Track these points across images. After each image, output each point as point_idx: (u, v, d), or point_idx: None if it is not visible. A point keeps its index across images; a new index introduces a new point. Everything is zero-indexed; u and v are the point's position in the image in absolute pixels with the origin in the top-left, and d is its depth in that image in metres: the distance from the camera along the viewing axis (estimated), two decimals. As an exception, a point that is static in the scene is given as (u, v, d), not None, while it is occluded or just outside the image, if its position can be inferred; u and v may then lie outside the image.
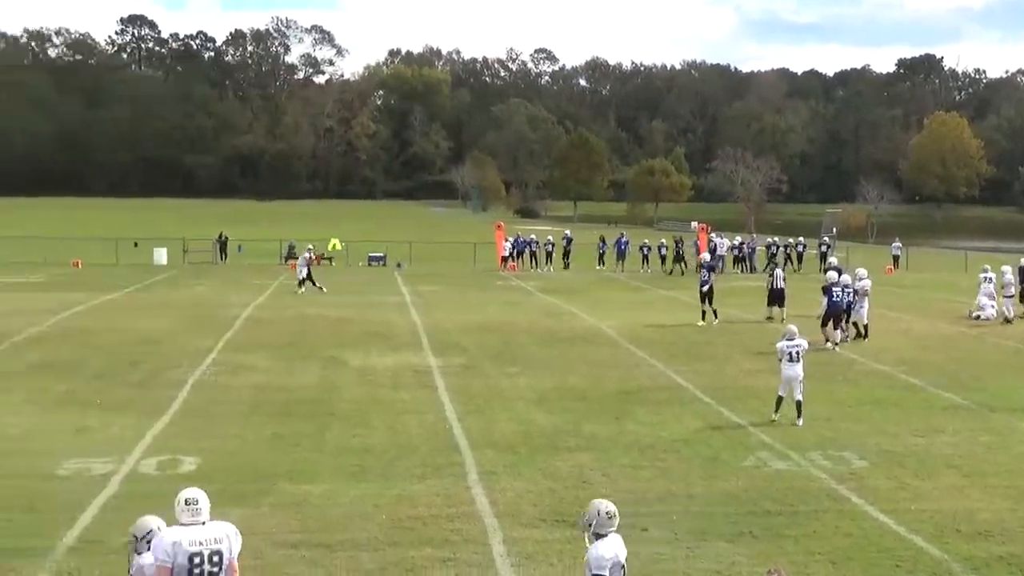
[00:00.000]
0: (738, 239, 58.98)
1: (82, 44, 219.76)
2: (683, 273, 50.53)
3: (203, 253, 57.84)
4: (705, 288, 32.11)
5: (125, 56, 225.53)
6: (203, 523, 7.97)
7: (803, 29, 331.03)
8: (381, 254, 57.34)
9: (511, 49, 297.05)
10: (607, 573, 8.03)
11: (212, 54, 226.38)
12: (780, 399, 18.35)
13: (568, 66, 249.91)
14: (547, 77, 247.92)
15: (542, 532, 12.45)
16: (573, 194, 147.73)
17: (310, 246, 46.10)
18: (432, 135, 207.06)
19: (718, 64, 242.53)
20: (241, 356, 24.93)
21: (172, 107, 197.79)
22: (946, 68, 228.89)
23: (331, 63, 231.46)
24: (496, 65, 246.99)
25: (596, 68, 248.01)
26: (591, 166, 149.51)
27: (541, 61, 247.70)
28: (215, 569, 7.89)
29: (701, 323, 31.60)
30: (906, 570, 11.56)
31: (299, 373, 22.96)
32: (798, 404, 18.15)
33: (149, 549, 7.96)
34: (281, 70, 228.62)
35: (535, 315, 34.09)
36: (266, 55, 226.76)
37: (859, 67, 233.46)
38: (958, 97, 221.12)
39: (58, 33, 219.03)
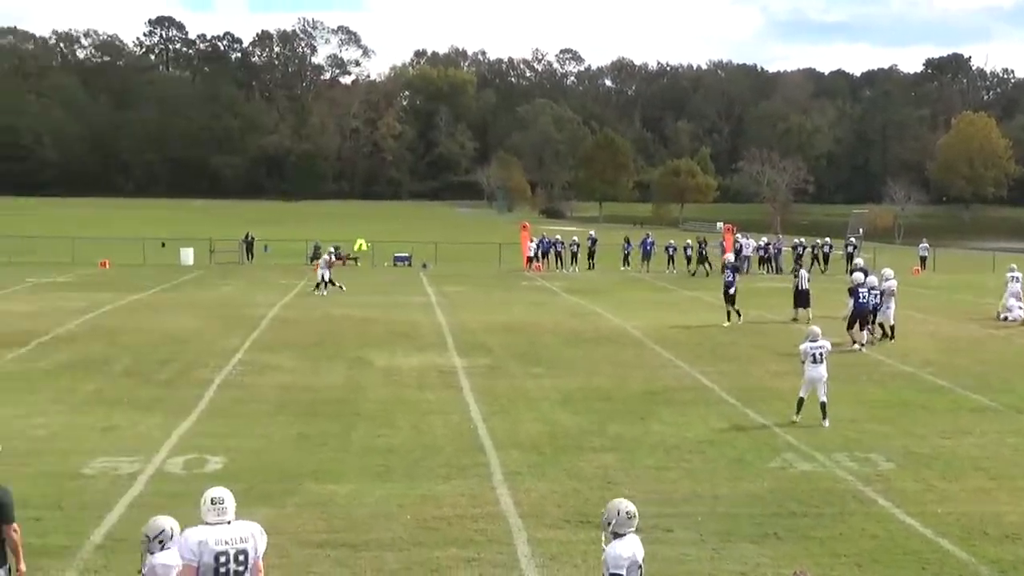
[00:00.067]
0: (764, 240, 58.80)
1: (110, 45, 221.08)
2: (707, 274, 50.41)
3: (230, 253, 58.08)
4: (731, 289, 32.11)
5: (153, 57, 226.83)
6: (228, 522, 8.00)
7: (830, 29, 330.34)
8: (407, 254, 57.44)
9: (537, 49, 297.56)
10: (624, 572, 8.03)
11: (239, 55, 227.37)
12: (801, 400, 18.28)
13: (594, 66, 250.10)
14: (573, 77, 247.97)
15: (567, 533, 12.45)
16: (598, 195, 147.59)
17: (331, 248, 45.87)
18: (458, 136, 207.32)
19: (744, 64, 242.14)
20: (267, 356, 25.01)
21: (199, 108, 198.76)
22: (974, 68, 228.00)
23: (357, 64, 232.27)
24: (522, 65, 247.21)
25: (622, 68, 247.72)
26: (616, 167, 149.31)
27: (567, 61, 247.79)
28: (241, 568, 7.93)
29: (727, 324, 31.55)
30: (932, 573, 11.49)
31: (325, 373, 23.02)
32: (823, 405, 18.07)
33: (162, 549, 8.00)
34: (308, 71, 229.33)
35: (560, 315, 34.07)
36: (293, 56, 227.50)
37: (886, 67, 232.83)
38: (986, 97, 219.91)
39: (86, 35, 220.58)
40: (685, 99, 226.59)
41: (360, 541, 12.15)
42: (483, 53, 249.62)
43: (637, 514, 8.30)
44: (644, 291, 43.55)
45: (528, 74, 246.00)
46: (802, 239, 56.23)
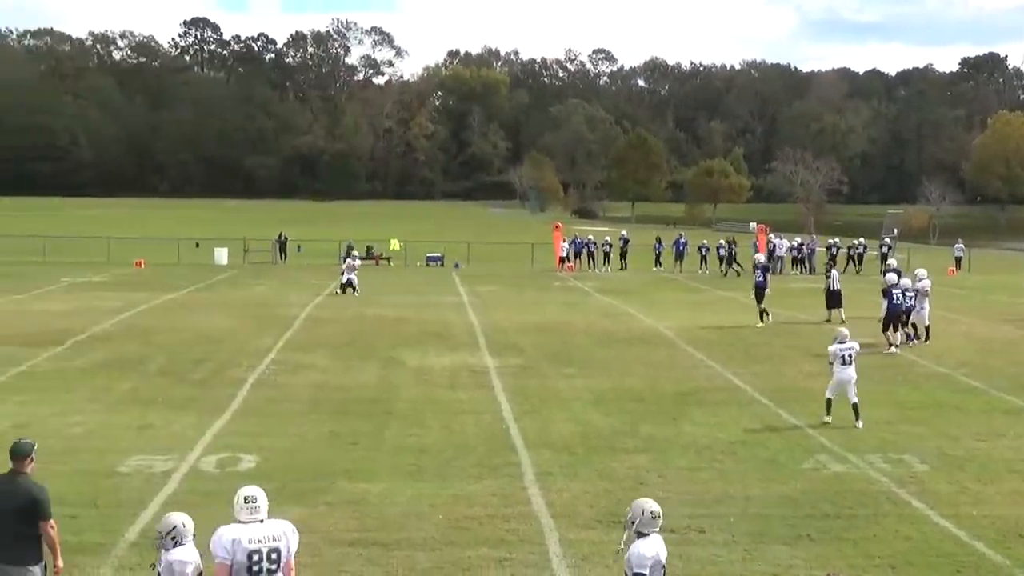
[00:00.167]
0: (798, 240, 58.54)
1: (146, 47, 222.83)
2: (739, 274, 50.26)
3: (263, 253, 58.36)
4: (764, 290, 32.07)
5: (188, 58, 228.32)
6: (261, 521, 8.04)
7: (864, 28, 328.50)
8: (439, 254, 57.53)
9: (569, 50, 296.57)
10: (648, 572, 8.04)
11: (273, 56, 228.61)
12: (829, 401, 18.21)
13: (627, 66, 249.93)
14: (605, 77, 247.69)
15: (598, 533, 12.44)
16: (631, 195, 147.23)
17: (354, 252, 44.96)
18: (490, 136, 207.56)
19: (778, 64, 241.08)
20: (300, 355, 25.12)
21: (234, 108, 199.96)
22: (1010, 67, 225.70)
23: (390, 64, 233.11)
24: (554, 66, 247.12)
25: (655, 68, 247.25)
26: (649, 167, 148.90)
27: (599, 61, 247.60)
28: (273, 567, 7.97)
29: (760, 324, 31.45)
30: (967, 576, 11.43)
31: (357, 372, 23.09)
32: (855, 407, 17.99)
33: (175, 545, 8.03)
34: (341, 71, 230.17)
35: (592, 316, 34.05)
36: (326, 56, 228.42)
37: (921, 66, 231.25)
38: (1022, 96, 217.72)
39: (122, 36, 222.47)
40: (718, 99, 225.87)
41: (392, 540, 12.18)
42: (516, 53, 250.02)
43: (661, 514, 8.30)
44: (677, 291, 43.45)
45: (561, 74, 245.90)
46: (836, 239, 55.92)
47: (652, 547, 8.14)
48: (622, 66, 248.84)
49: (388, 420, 18.33)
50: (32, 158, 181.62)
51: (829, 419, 18.02)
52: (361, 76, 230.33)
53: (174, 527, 8.09)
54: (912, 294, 27.48)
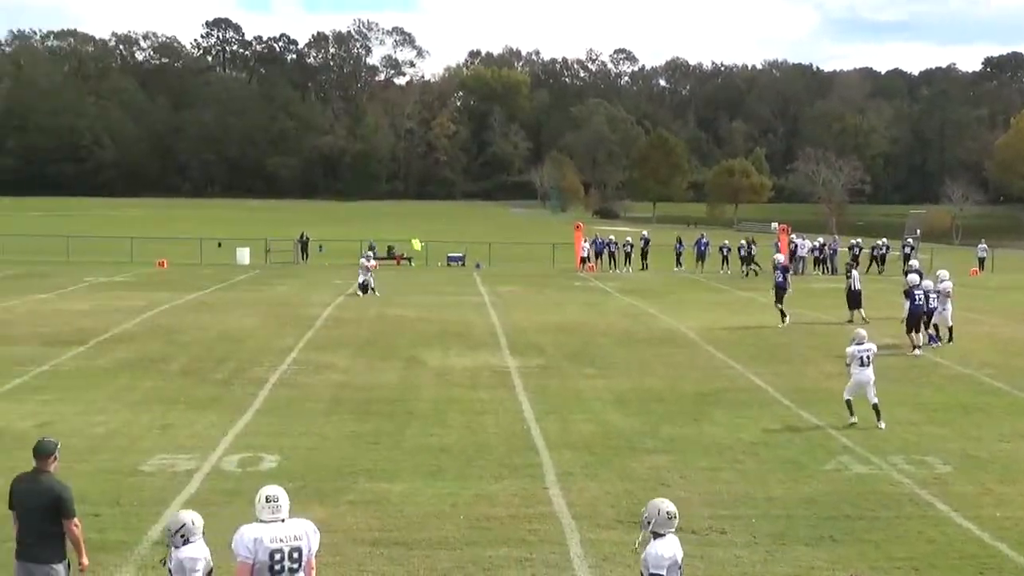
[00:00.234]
0: (820, 240, 58.33)
1: (168, 47, 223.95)
2: (756, 274, 50.16)
3: (285, 253, 58.53)
4: (787, 290, 32.00)
5: (210, 59, 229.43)
6: (283, 520, 8.06)
7: (886, 27, 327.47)
8: (460, 254, 57.59)
9: (590, 50, 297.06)
10: (665, 573, 8.03)
11: (295, 56, 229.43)
12: (849, 402, 18.12)
13: (648, 66, 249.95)
14: (626, 77, 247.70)
15: (619, 534, 12.41)
16: (652, 195, 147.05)
17: (368, 252, 44.47)
18: (511, 136, 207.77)
19: (800, 63, 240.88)
20: (322, 355, 25.17)
21: (255, 109, 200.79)
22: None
23: (411, 64, 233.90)
24: (575, 66, 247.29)
25: (676, 68, 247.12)
26: (670, 167, 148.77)
27: (621, 61, 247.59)
28: (295, 566, 7.98)
29: (781, 325, 31.34)
30: (990, 577, 11.37)
31: (378, 372, 23.12)
32: (875, 408, 17.90)
33: (184, 543, 8.05)
34: (362, 71, 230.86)
35: (613, 316, 34.01)
36: (348, 57, 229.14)
37: (944, 66, 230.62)
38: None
39: (145, 37, 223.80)
40: (740, 99, 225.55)
41: (413, 540, 12.19)
42: (537, 53, 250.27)
43: (677, 514, 8.28)
44: (698, 292, 43.35)
45: (582, 74, 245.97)
46: (859, 240, 55.74)
47: (669, 548, 8.14)
48: (643, 66, 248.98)
49: (409, 420, 18.35)
50: (56, 159, 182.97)
51: (855, 419, 17.92)
52: (382, 76, 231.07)
53: (183, 525, 8.11)
54: (934, 296, 27.33)
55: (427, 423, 18.09)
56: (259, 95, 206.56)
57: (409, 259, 57.67)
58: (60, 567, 9.07)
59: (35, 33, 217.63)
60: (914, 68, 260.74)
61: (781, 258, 35.16)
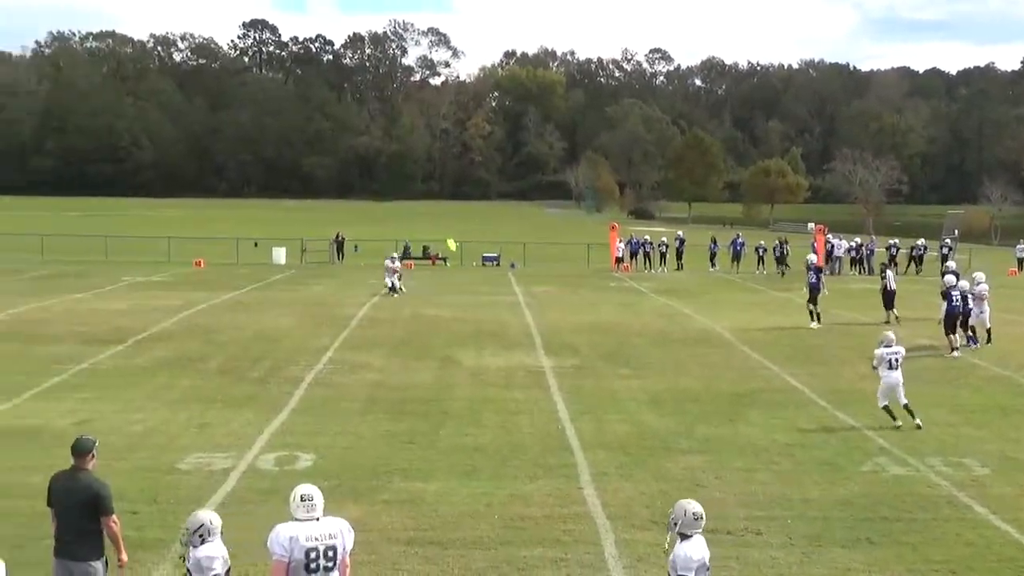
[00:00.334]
0: (856, 240, 57.97)
1: (205, 48, 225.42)
2: (783, 275, 49.99)
3: (320, 253, 58.75)
4: (821, 291, 31.87)
5: (247, 60, 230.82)
6: (317, 519, 8.11)
7: (925, 26, 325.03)
8: (495, 254, 57.61)
9: (626, 49, 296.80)
10: (693, 574, 8.02)
11: (331, 57, 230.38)
12: (887, 407, 17.97)
13: (683, 66, 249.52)
14: (662, 77, 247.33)
15: (654, 535, 12.37)
16: (688, 195, 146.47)
17: (394, 254, 44.13)
18: (546, 136, 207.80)
19: (837, 63, 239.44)
20: (357, 354, 25.25)
21: (292, 109, 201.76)
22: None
23: (447, 65, 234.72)
24: (611, 65, 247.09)
25: (712, 68, 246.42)
26: (706, 167, 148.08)
27: (656, 61, 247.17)
28: (330, 564, 8.03)
29: (813, 326, 31.17)
30: (1029, 581, 11.27)
31: (413, 372, 23.16)
32: (907, 408, 17.78)
33: (202, 543, 8.11)
34: (398, 72, 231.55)
35: (648, 316, 33.93)
36: (383, 57, 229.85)
37: (983, 65, 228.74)
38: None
39: (183, 38, 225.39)
40: (776, 99, 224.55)
41: (448, 539, 12.22)
42: (572, 53, 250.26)
43: (704, 515, 8.27)
44: (733, 292, 43.18)
45: (617, 74, 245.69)
46: (896, 240, 55.35)
47: (698, 550, 8.15)
48: (679, 66, 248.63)
49: (444, 419, 18.37)
50: (94, 159, 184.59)
51: (900, 423, 17.76)
52: (418, 77, 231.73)
53: (201, 524, 8.18)
54: (970, 297, 27.09)
55: (462, 423, 18.11)
56: (295, 96, 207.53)
57: (444, 259, 57.74)
58: (98, 564, 9.16)
59: (74, 35, 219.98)
60: (952, 67, 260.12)
61: (813, 258, 34.98)
